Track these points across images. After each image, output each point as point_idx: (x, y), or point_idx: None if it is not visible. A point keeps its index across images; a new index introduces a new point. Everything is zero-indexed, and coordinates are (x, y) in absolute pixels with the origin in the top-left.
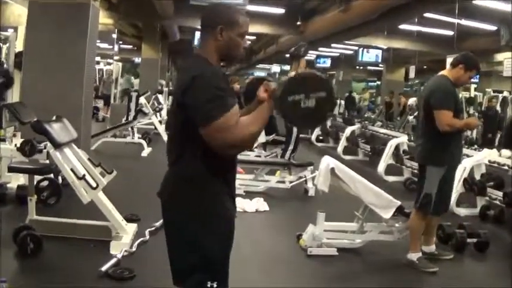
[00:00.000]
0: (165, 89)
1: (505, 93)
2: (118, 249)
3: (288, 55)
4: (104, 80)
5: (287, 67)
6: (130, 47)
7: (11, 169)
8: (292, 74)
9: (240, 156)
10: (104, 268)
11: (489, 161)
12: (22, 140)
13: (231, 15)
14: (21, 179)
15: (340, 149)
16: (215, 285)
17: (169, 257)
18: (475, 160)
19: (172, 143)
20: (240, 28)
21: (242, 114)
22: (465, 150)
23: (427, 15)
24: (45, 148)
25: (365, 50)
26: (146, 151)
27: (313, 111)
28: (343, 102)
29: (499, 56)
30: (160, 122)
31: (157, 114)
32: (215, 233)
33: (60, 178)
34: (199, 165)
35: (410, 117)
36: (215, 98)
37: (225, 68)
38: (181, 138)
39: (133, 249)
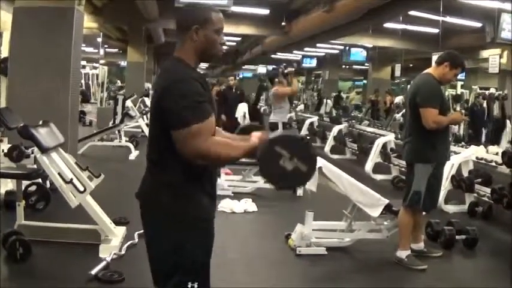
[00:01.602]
0: (151, 92)
1: (492, 90)
2: (107, 252)
3: (281, 70)
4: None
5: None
6: (115, 50)
7: None
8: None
9: None
10: (93, 271)
11: (477, 158)
12: (9, 145)
13: (204, 13)
14: (9, 185)
15: (327, 148)
16: (196, 287)
17: (149, 258)
18: (462, 157)
19: (151, 147)
20: (214, 25)
21: (230, 137)
22: (452, 147)
23: (412, 13)
24: (32, 153)
25: (351, 49)
26: (134, 154)
27: (284, 174)
28: (329, 101)
29: (485, 53)
30: (147, 125)
31: (144, 117)
32: (195, 235)
33: (48, 183)
34: (178, 169)
35: (397, 116)
36: (194, 104)
37: (208, 69)
38: (159, 142)
39: (123, 252)
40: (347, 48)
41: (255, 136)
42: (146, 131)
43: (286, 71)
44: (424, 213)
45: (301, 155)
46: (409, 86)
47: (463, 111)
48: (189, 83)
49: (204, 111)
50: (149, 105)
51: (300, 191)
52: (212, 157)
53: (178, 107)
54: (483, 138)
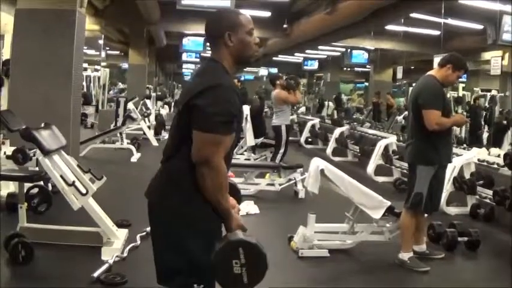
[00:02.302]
0: (153, 94)
1: (493, 92)
2: (109, 255)
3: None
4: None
5: (274, 70)
6: (117, 52)
7: (1, 177)
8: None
9: None
10: (95, 274)
11: (478, 160)
12: (12, 147)
13: (233, 18)
14: (11, 187)
15: (329, 150)
16: None
17: (155, 257)
18: (464, 159)
19: (169, 148)
20: (245, 27)
21: None
22: (454, 149)
23: (414, 15)
24: (34, 155)
25: (352, 51)
26: (135, 156)
27: (226, 272)
28: (331, 103)
29: (486, 55)
30: (148, 127)
31: (146, 119)
32: (202, 238)
33: (50, 185)
34: (190, 171)
35: (399, 118)
36: (227, 114)
37: None
38: (177, 139)
39: (125, 254)
40: (348, 50)
41: (234, 207)
42: (148, 133)
43: (297, 80)
44: (425, 215)
45: (252, 270)
46: (411, 88)
47: (465, 113)
48: (229, 91)
49: (232, 126)
50: (151, 108)
51: (302, 194)
52: (214, 176)
53: (211, 111)
54: (484, 140)
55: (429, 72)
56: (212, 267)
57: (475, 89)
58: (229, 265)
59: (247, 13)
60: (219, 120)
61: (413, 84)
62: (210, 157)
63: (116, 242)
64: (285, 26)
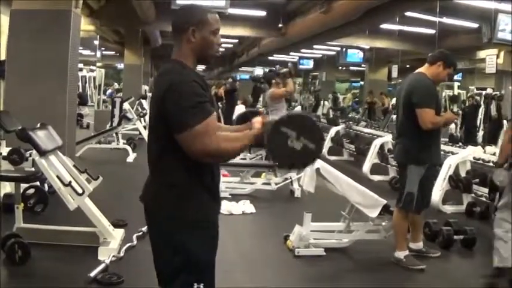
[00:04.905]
0: (149, 94)
1: (489, 90)
2: (106, 254)
3: (277, 72)
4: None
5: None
6: (112, 53)
7: None
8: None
9: None
10: (92, 274)
11: (474, 158)
12: (8, 148)
13: (200, 15)
14: (7, 187)
15: (325, 149)
16: (201, 287)
17: (154, 260)
18: (460, 157)
19: (153, 150)
20: (211, 26)
21: (231, 129)
22: (450, 148)
23: (408, 14)
24: (30, 156)
25: (347, 50)
26: (131, 157)
27: (295, 154)
28: (327, 103)
29: (481, 53)
30: (144, 127)
31: (142, 119)
32: (199, 236)
33: (46, 185)
34: (182, 171)
35: (394, 117)
36: (194, 104)
37: (204, 71)
38: (159, 144)
39: (121, 254)
40: (343, 49)
41: (257, 122)
42: (144, 133)
43: (280, 72)
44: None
45: (308, 133)
46: (399, 86)
47: (460, 112)
48: (187, 85)
49: (205, 110)
50: (147, 108)
51: (297, 193)
52: (221, 154)
53: (179, 111)
54: (480, 139)
55: (419, 70)
56: (280, 164)
57: (470, 87)
58: (289, 149)
59: (240, 12)
60: (189, 116)
61: (402, 81)
62: (205, 149)
63: (113, 242)
64: (280, 25)
